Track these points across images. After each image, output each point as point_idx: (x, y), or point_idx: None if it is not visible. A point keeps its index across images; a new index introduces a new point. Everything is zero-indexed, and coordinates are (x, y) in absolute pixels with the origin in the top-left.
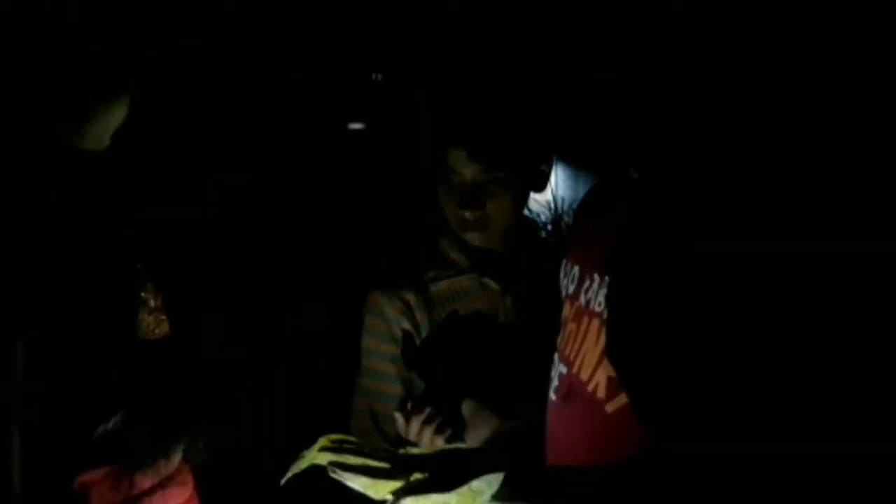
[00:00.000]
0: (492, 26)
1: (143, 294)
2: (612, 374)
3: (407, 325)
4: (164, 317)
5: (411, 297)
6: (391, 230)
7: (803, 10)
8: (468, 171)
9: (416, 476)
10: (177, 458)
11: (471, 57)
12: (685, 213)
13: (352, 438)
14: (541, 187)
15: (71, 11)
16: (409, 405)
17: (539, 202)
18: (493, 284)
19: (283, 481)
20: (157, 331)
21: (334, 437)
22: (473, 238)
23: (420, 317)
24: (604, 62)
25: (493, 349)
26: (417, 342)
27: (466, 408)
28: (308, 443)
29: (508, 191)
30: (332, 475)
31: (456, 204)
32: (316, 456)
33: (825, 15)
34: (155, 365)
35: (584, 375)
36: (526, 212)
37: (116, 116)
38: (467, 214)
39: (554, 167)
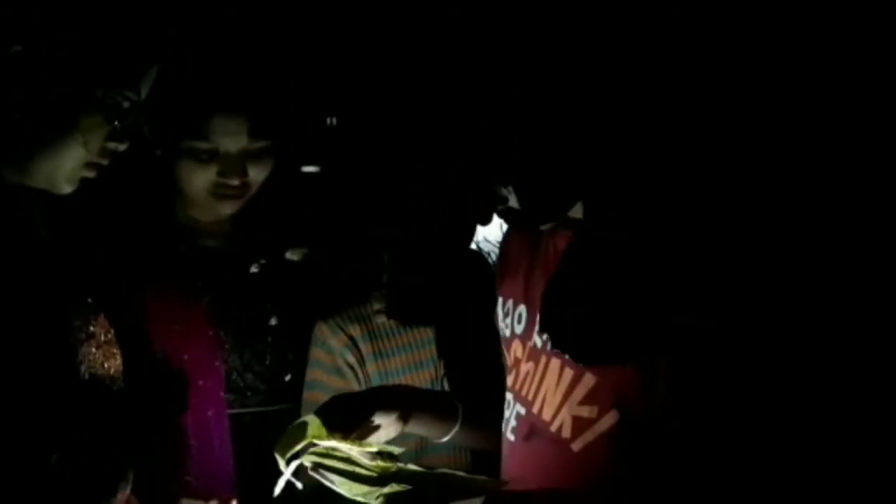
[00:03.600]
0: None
1: (91, 327)
2: (577, 413)
3: (351, 358)
4: (115, 351)
5: (355, 330)
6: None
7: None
8: None
9: (396, 488)
10: (122, 497)
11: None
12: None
13: (342, 446)
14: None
15: (19, 38)
16: None
17: (491, 243)
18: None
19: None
20: (106, 365)
21: (325, 442)
22: None
23: (364, 349)
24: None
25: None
26: (361, 375)
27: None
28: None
29: None
30: (312, 473)
31: None
32: (309, 443)
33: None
34: (99, 402)
35: (547, 416)
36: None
37: (69, 157)
38: None
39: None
